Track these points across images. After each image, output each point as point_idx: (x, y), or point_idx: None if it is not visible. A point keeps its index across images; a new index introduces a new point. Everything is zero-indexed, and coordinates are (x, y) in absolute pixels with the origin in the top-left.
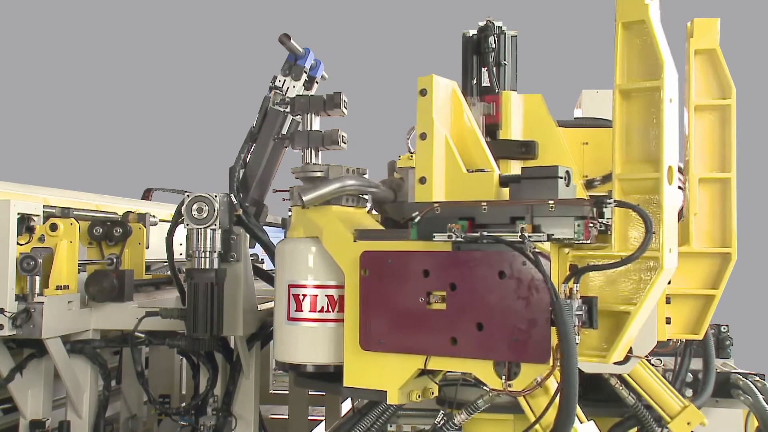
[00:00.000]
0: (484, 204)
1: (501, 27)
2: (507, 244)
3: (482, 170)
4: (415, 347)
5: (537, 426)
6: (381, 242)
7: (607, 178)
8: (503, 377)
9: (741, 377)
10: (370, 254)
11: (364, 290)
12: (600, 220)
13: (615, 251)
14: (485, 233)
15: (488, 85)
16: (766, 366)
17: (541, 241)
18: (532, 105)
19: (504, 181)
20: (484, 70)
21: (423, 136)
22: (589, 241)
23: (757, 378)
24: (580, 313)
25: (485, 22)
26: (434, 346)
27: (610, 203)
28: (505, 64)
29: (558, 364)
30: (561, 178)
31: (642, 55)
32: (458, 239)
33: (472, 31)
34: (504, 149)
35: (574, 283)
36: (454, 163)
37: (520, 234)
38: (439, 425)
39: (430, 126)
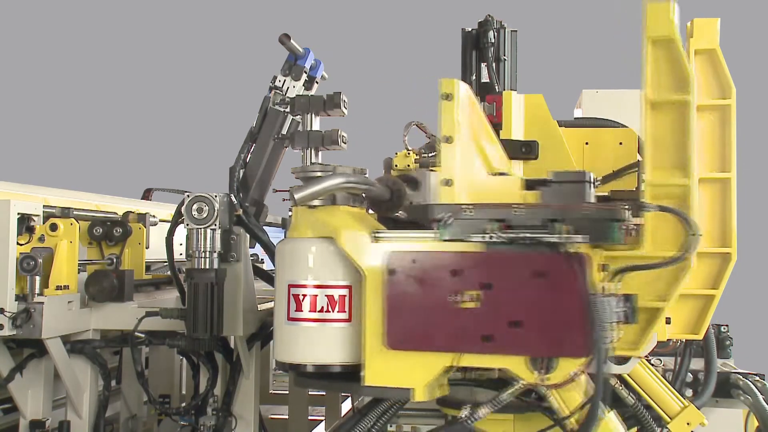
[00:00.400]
0: (520, 207)
1: (501, 22)
2: (548, 245)
3: (503, 173)
4: (446, 345)
5: (565, 421)
6: (405, 242)
7: (607, 178)
8: (540, 372)
9: (741, 377)
10: (397, 254)
11: (391, 290)
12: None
13: (646, 252)
14: (526, 234)
15: (488, 81)
16: (766, 366)
17: (580, 243)
18: (533, 105)
19: (531, 185)
20: (483, 65)
21: (448, 140)
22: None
23: (757, 378)
24: (620, 309)
25: (485, 18)
26: (466, 344)
27: (650, 208)
28: (504, 60)
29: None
30: (589, 182)
31: (670, 70)
32: (498, 240)
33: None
34: (505, 149)
35: (617, 281)
36: (477, 166)
37: (559, 235)
38: (463, 418)
39: (455, 129)
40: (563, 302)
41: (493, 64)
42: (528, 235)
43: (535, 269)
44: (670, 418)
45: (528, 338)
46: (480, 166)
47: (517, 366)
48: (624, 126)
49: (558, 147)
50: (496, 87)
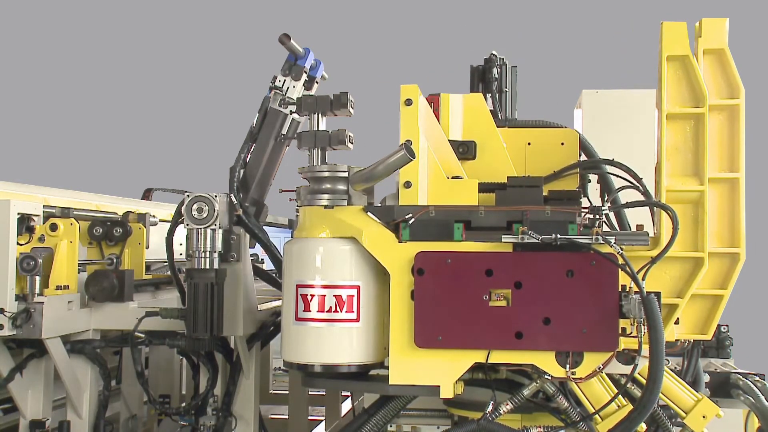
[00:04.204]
0: (481, 209)
1: (503, 59)
2: (585, 246)
3: (458, 177)
4: (477, 343)
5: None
6: (433, 243)
7: (549, 178)
8: (567, 366)
9: (741, 377)
10: (427, 254)
11: (421, 289)
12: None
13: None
14: (559, 235)
15: (492, 109)
16: (766, 366)
17: (610, 244)
18: (472, 105)
19: (485, 189)
20: (488, 96)
21: (408, 143)
22: (647, 244)
23: (757, 378)
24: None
25: (489, 56)
26: (497, 341)
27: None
28: (506, 91)
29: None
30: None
31: (686, 85)
32: (531, 240)
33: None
34: None
35: (641, 279)
36: (436, 170)
37: (594, 236)
38: (487, 413)
39: (416, 134)
40: (594, 299)
41: (497, 95)
42: (561, 236)
43: (564, 268)
44: (685, 413)
45: (558, 334)
46: (440, 169)
47: (545, 361)
48: (565, 127)
49: (496, 147)
50: (498, 114)
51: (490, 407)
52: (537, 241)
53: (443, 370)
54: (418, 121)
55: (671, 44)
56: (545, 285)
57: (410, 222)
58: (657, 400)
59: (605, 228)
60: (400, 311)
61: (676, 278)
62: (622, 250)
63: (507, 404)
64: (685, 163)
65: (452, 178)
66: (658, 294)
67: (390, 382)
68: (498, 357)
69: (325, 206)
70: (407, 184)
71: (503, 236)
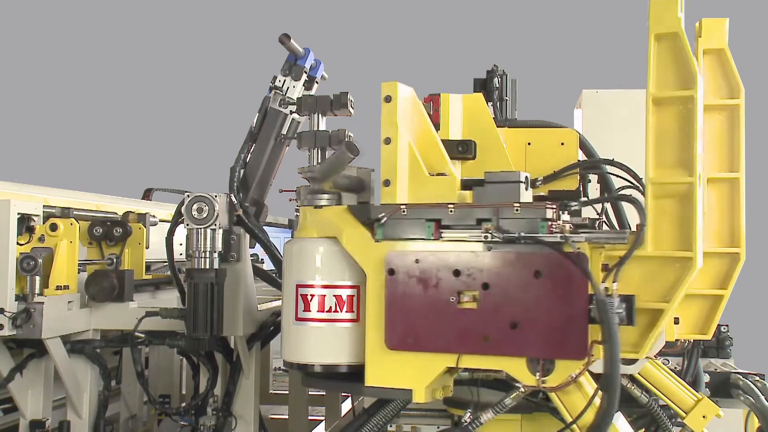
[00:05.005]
0: (452, 206)
1: (504, 70)
2: (548, 244)
3: (443, 174)
4: (446, 346)
5: (574, 425)
6: (406, 242)
7: (548, 178)
8: (537, 374)
9: (741, 377)
10: (396, 255)
11: (391, 290)
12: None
13: (649, 251)
14: (522, 234)
15: (493, 116)
16: (766, 366)
17: (579, 242)
18: (472, 105)
19: (466, 185)
20: (489, 104)
21: (387, 141)
22: (626, 242)
23: (757, 378)
24: (620, 311)
25: (492, 67)
26: (465, 345)
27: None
28: (506, 99)
29: (591, 359)
30: (522, 182)
31: (674, 66)
32: (495, 239)
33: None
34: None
35: (612, 281)
36: (417, 167)
37: (560, 235)
38: (465, 423)
39: (394, 131)
40: (562, 303)
41: (497, 103)
42: (525, 234)
43: (532, 269)
44: (685, 413)
45: (525, 339)
46: (421, 167)
47: (516, 368)
48: (565, 127)
49: (496, 147)
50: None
51: (468, 416)
52: (499, 239)
53: (415, 373)
54: (396, 118)
55: (660, 21)
56: (513, 286)
57: (383, 221)
58: (613, 416)
59: (605, 227)
60: (375, 312)
61: (663, 281)
62: (579, 249)
63: (488, 413)
64: (674, 154)
65: (437, 175)
66: (630, 297)
67: (366, 384)
68: (468, 362)
69: (315, 206)
70: (386, 183)
71: (467, 234)
